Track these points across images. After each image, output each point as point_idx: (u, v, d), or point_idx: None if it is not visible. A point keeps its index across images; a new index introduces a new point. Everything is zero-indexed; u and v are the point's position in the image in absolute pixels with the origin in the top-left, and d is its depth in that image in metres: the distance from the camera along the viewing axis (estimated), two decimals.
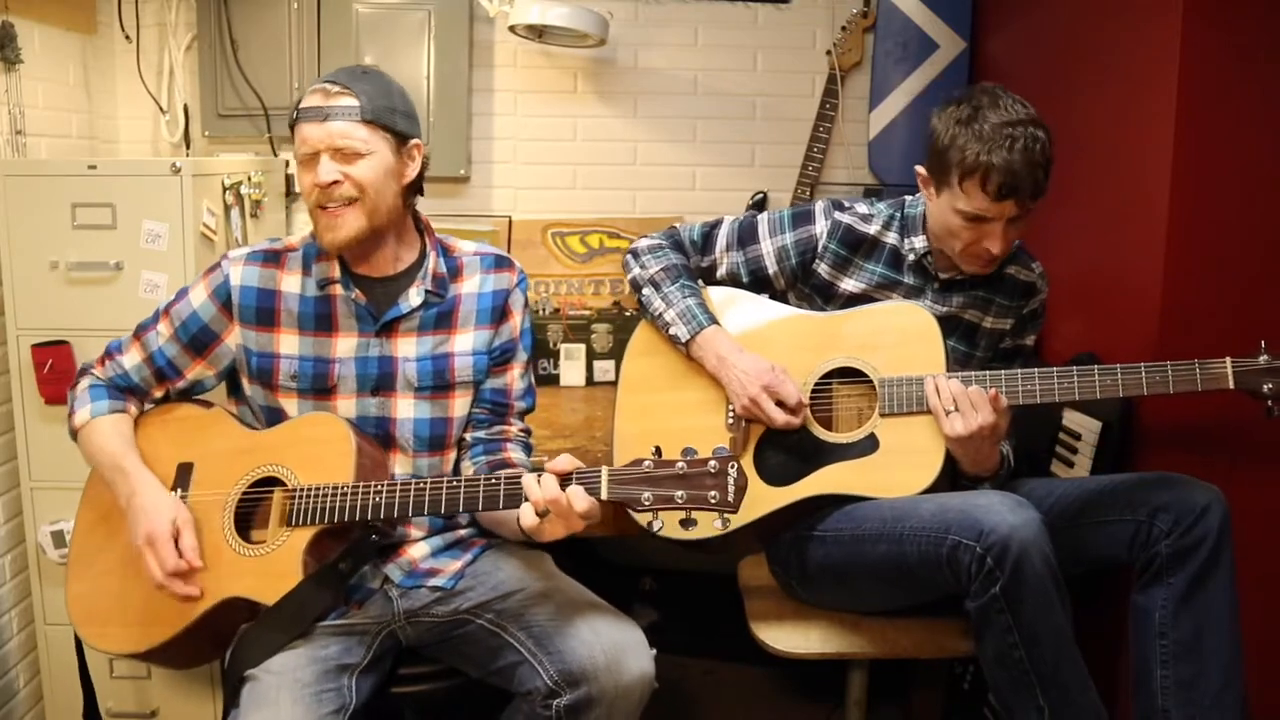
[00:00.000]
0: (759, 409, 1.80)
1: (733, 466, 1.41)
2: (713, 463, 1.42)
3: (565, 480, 1.47)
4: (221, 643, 1.63)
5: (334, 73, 1.65)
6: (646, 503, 1.43)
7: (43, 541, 2.21)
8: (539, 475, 1.48)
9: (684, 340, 1.88)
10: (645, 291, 1.94)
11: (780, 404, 1.80)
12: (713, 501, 1.41)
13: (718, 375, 1.86)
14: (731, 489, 1.41)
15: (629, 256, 2.00)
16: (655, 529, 1.45)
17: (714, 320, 1.88)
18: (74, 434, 1.72)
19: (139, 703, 2.26)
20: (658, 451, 1.45)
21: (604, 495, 1.45)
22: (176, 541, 1.57)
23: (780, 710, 2.62)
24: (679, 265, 1.94)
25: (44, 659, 2.30)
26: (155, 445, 1.70)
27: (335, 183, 1.60)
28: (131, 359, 1.73)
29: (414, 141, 1.69)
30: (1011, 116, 1.70)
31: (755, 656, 1.91)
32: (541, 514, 1.47)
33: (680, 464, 1.43)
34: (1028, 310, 1.94)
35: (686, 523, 1.43)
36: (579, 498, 1.44)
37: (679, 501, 1.42)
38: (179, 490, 1.65)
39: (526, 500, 1.48)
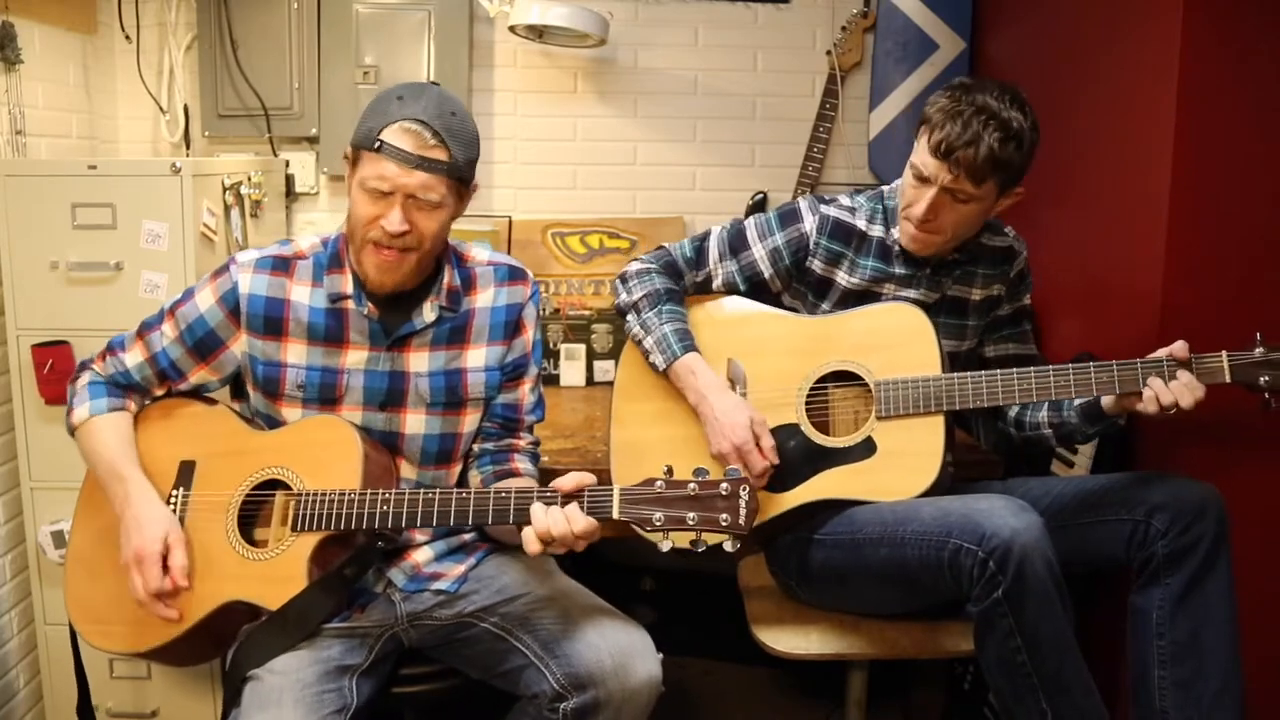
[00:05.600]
0: (732, 461, 1.78)
1: (744, 489, 1.42)
2: (725, 485, 1.42)
3: (569, 498, 1.47)
4: (222, 642, 1.63)
5: (424, 107, 1.56)
6: (658, 523, 1.43)
7: (43, 542, 2.21)
8: (547, 508, 1.47)
9: (660, 369, 1.87)
10: (629, 318, 1.93)
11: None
12: (724, 524, 1.42)
13: (697, 411, 1.84)
14: (743, 512, 1.41)
15: (618, 281, 1.98)
16: (664, 549, 1.44)
17: (690, 348, 1.86)
18: (72, 431, 1.70)
19: (139, 703, 2.26)
20: (669, 471, 1.45)
21: (615, 514, 1.45)
22: (166, 559, 1.55)
23: (780, 710, 2.63)
24: (661, 290, 1.92)
25: (44, 659, 2.30)
26: (156, 440, 1.69)
27: (404, 232, 1.57)
28: (134, 357, 1.71)
29: (474, 184, 1.66)
30: (995, 104, 1.71)
31: (755, 656, 1.92)
32: (546, 542, 1.46)
33: (692, 485, 1.43)
34: (1014, 273, 1.95)
35: (696, 543, 1.43)
36: (577, 519, 1.44)
37: (690, 523, 1.42)
38: (181, 489, 1.64)
39: (529, 525, 1.47)
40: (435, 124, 1.56)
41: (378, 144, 1.55)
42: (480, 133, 1.64)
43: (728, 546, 1.43)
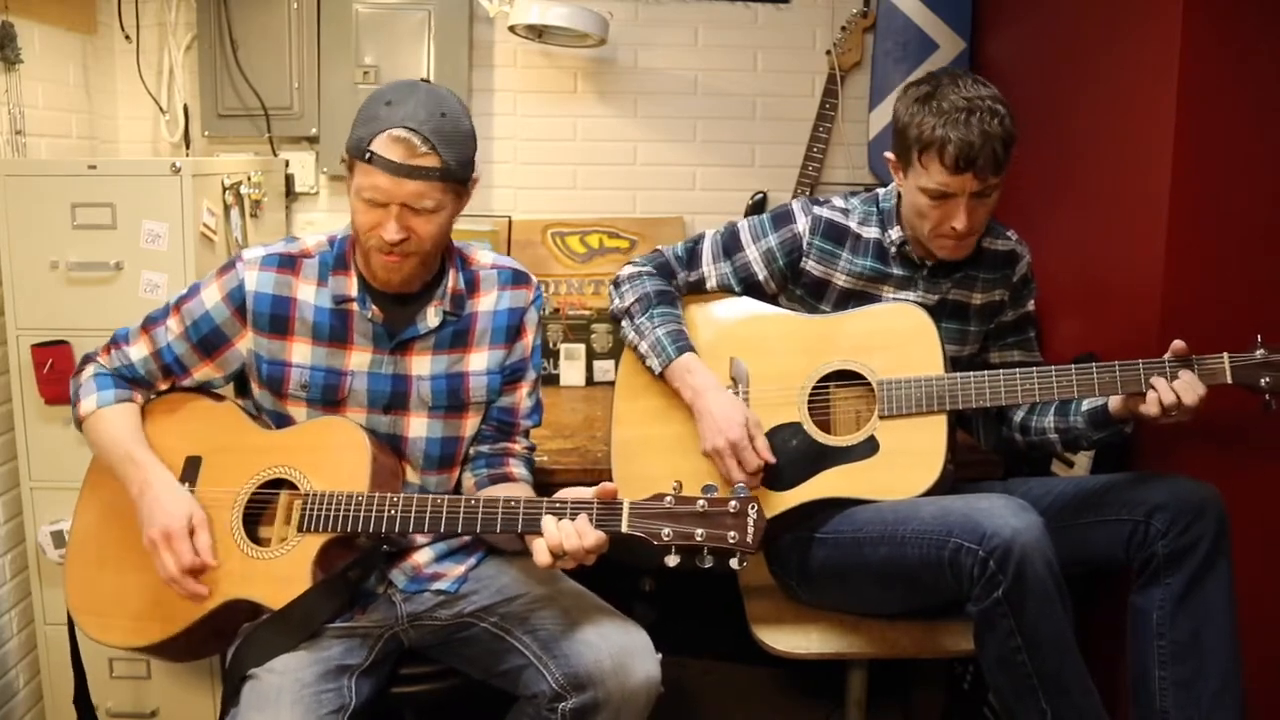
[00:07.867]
0: (720, 461, 1.77)
1: (752, 508, 1.42)
2: (733, 503, 1.43)
3: (578, 509, 1.47)
4: (224, 639, 1.63)
5: (412, 111, 1.53)
6: (666, 538, 1.43)
7: (43, 541, 2.21)
8: (558, 519, 1.47)
9: (657, 372, 1.87)
10: (623, 324, 1.94)
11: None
12: (732, 542, 1.42)
13: (692, 409, 1.83)
14: (751, 530, 1.42)
15: (611, 286, 1.99)
16: (670, 564, 1.44)
17: (685, 348, 1.86)
18: (79, 423, 1.69)
19: (138, 703, 2.26)
20: (678, 486, 1.45)
21: (624, 528, 1.45)
22: (191, 538, 1.55)
23: (780, 710, 2.62)
24: (653, 293, 1.92)
25: (44, 659, 2.30)
26: (162, 434, 1.68)
27: (403, 240, 1.56)
28: (138, 351, 1.71)
29: (474, 179, 1.65)
30: (969, 94, 1.71)
31: (755, 656, 1.91)
32: (558, 555, 1.46)
33: (701, 501, 1.43)
34: (1017, 277, 1.95)
35: (702, 559, 1.43)
36: (588, 532, 1.45)
37: (698, 539, 1.42)
38: (186, 484, 1.64)
39: (539, 537, 1.47)
40: (425, 129, 1.53)
41: (368, 155, 1.53)
42: (480, 133, 1.64)
43: (734, 564, 1.43)
